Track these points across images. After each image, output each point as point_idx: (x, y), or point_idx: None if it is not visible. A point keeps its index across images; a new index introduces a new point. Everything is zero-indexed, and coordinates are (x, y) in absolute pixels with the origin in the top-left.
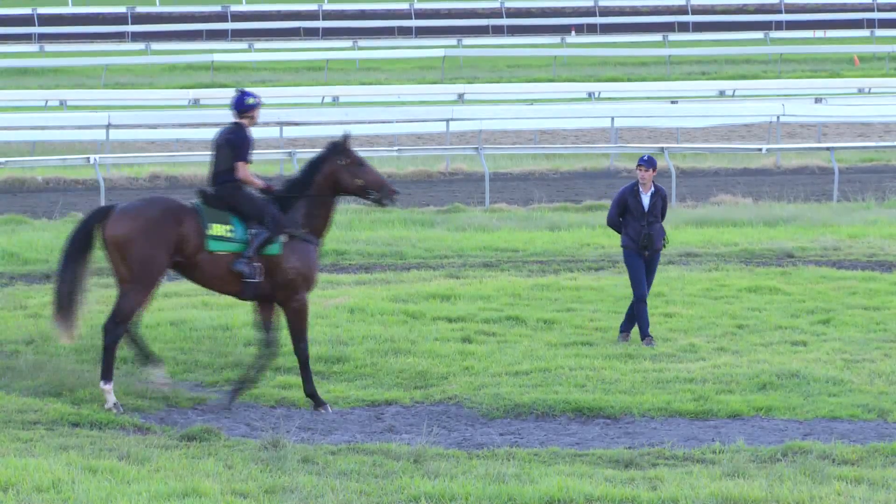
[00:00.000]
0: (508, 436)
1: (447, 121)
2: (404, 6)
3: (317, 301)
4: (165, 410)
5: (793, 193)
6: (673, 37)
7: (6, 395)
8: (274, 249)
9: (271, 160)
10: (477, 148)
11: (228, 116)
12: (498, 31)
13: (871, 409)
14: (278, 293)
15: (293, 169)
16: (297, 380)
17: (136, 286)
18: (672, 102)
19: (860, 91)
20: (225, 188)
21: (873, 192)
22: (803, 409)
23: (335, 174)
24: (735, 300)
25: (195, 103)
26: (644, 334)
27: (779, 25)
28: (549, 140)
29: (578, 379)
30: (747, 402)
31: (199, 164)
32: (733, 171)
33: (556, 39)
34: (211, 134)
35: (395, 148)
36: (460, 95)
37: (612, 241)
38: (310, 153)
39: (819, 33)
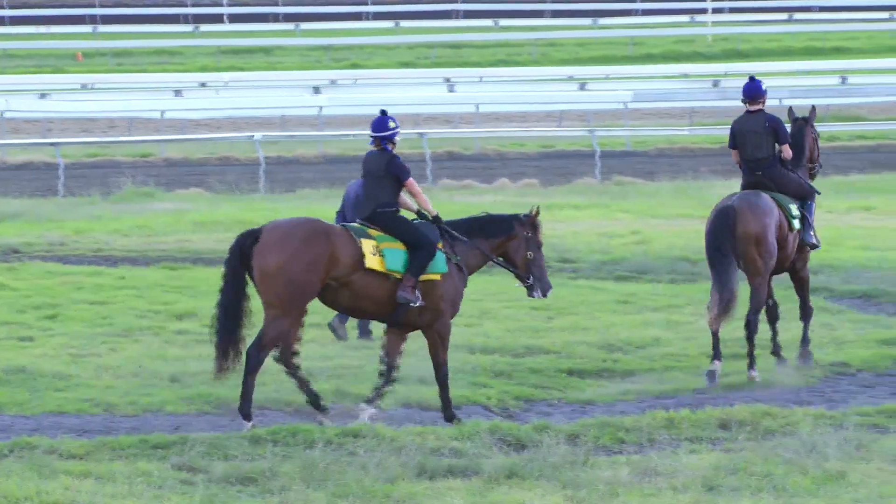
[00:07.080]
0: None
1: None
2: None
3: None
4: None
5: (18, 189)
6: None
7: None
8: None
9: None
10: None
11: None
12: None
13: (98, 404)
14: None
15: None
16: None
17: (763, 280)
18: None
19: (84, 87)
20: (774, 171)
21: (98, 187)
22: (31, 405)
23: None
24: None
25: None
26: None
27: (0, 21)
28: None
29: None
30: None
31: None
32: None
33: None
34: None
35: None
36: None
37: None
38: None
39: (42, 28)
